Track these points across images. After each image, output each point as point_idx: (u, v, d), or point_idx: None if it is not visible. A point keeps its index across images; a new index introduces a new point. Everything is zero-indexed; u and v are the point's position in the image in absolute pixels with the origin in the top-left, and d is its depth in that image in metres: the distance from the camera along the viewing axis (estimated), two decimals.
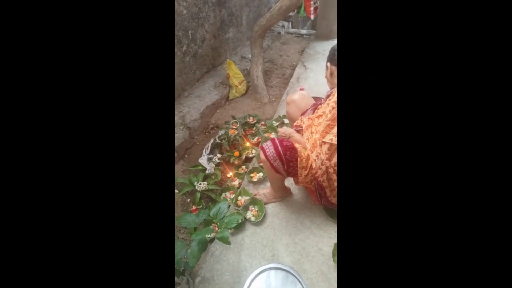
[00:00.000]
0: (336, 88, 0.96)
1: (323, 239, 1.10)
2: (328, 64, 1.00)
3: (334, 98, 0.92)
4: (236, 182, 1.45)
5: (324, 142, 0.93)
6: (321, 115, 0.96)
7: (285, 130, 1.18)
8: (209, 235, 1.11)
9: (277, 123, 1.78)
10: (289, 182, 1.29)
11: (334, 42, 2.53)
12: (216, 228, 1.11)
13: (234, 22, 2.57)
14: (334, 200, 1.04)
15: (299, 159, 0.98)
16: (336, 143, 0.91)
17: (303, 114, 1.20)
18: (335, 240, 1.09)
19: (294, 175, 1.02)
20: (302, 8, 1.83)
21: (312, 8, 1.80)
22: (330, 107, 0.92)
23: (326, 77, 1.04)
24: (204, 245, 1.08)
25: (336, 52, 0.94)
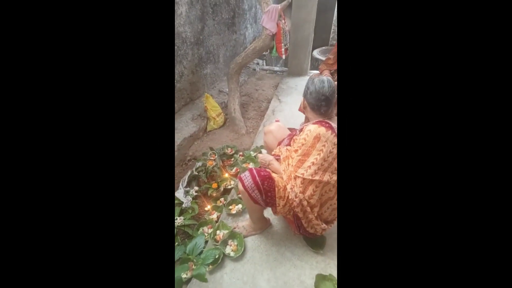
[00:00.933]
0: (307, 124, 1.01)
1: (305, 270, 1.08)
2: (302, 98, 1.09)
3: (303, 134, 0.96)
4: (214, 216, 1.40)
5: (297, 176, 0.95)
6: (297, 150, 1.00)
7: (265, 157, 1.20)
8: (185, 275, 1.03)
9: (255, 153, 1.81)
10: (268, 213, 1.29)
11: (305, 78, 2.75)
12: (193, 267, 1.04)
13: (212, 59, 2.73)
14: (312, 231, 1.05)
15: (276, 188, 0.99)
16: (308, 177, 0.93)
17: (279, 144, 1.24)
18: (317, 271, 1.07)
19: (272, 205, 1.03)
20: (274, 49, 2.01)
21: (283, 50, 1.99)
22: (300, 143, 0.96)
23: (299, 110, 1.12)
24: (180, 284, 0.99)
25: (309, 88, 1.01)
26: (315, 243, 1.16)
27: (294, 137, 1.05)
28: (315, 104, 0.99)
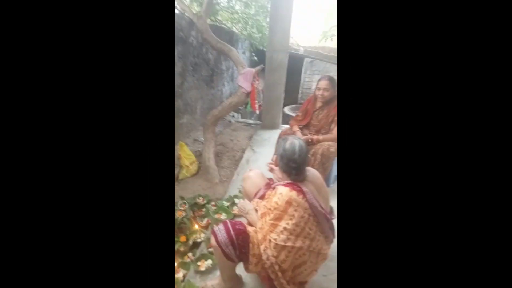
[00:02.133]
0: (280, 186, 0.97)
1: None
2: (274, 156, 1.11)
3: (275, 197, 0.93)
4: (180, 274, 1.26)
5: (270, 240, 0.93)
6: (269, 212, 0.97)
7: (244, 205, 1.16)
8: None
9: (228, 203, 1.77)
10: (240, 269, 1.20)
11: (277, 131, 2.94)
12: None
13: (189, 110, 2.85)
14: None
15: (251, 245, 0.95)
16: (280, 243, 0.90)
17: (256, 194, 1.24)
18: None
19: (245, 261, 0.97)
20: (249, 105, 2.20)
21: (257, 106, 2.18)
22: (272, 207, 0.93)
23: (269, 170, 1.11)
24: None
25: (280, 151, 0.99)
26: None
27: (267, 193, 1.03)
28: (286, 169, 0.98)
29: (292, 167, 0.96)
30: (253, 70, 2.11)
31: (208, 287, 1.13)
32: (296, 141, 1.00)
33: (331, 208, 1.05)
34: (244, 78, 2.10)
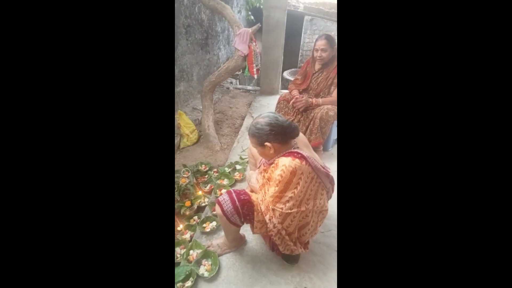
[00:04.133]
0: (281, 158, 0.96)
1: (281, 286, 1.07)
2: (263, 147, 0.99)
3: (279, 170, 0.92)
4: (187, 235, 1.35)
5: (275, 209, 0.95)
6: (268, 181, 0.98)
7: (250, 175, 1.19)
8: None
9: (229, 169, 1.82)
10: (243, 229, 1.28)
11: (276, 97, 2.87)
12: None
13: (185, 77, 2.75)
14: (288, 252, 1.06)
15: (255, 213, 0.99)
16: (286, 211, 0.92)
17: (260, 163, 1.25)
18: (292, 286, 1.07)
19: (251, 224, 1.03)
20: (246, 69, 2.11)
21: (255, 70, 2.09)
22: (278, 176, 0.92)
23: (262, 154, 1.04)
24: None
25: (269, 131, 0.96)
26: (290, 257, 1.16)
27: (269, 168, 1.01)
28: (283, 136, 0.96)
29: (286, 126, 0.96)
30: (250, 30, 1.97)
31: (213, 246, 1.21)
32: (263, 115, 0.99)
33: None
34: (240, 40, 1.98)
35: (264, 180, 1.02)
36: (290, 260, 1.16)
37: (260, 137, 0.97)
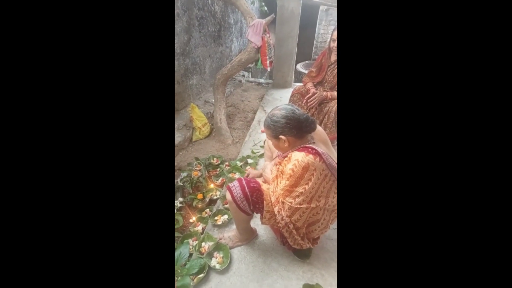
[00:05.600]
0: (294, 152, 0.94)
1: (291, 281, 1.07)
2: (277, 139, 0.98)
3: (291, 164, 0.91)
4: (199, 228, 1.37)
5: (285, 202, 0.94)
6: (281, 173, 0.96)
7: (265, 166, 1.18)
8: None
9: (241, 163, 1.81)
10: (254, 223, 1.28)
11: (289, 91, 2.82)
12: (177, 279, 1.00)
13: (198, 70, 2.74)
14: (298, 247, 1.05)
15: (265, 202, 0.98)
16: (296, 206, 0.92)
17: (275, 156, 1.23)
18: (303, 281, 1.06)
19: (260, 214, 1.03)
20: (259, 61, 2.07)
21: (268, 62, 2.05)
22: (289, 170, 0.91)
23: (277, 147, 1.02)
24: None
25: (285, 124, 0.93)
26: (301, 253, 1.16)
27: (283, 161, 1.00)
28: (299, 130, 0.94)
29: (302, 120, 0.93)
30: (263, 21, 1.92)
31: (225, 238, 1.22)
32: (280, 108, 0.97)
33: None
34: (253, 31, 1.94)
35: (278, 172, 1.01)
36: (301, 255, 1.15)
37: (275, 129, 0.95)
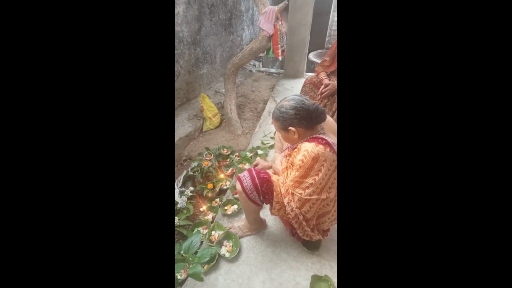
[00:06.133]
0: (304, 142, 0.93)
1: (300, 272, 1.07)
2: (286, 131, 0.96)
3: (300, 155, 0.89)
4: (209, 216, 1.39)
5: (294, 193, 0.93)
6: (291, 165, 0.95)
7: (274, 157, 1.18)
8: (179, 276, 1.01)
9: (251, 154, 1.81)
10: (264, 213, 1.28)
11: (301, 81, 2.76)
12: (189, 267, 1.02)
13: (208, 59, 2.72)
14: (307, 238, 1.05)
15: (275, 193, 0.98)
16: (306, 197, 0.91)
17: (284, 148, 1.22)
18: (312, 272, 1.06)
19: (270, 204, 1.03)
20: (271, 50, 2.02)
21: (279, 51, 2.00)
22: (299, 161, 0.89)
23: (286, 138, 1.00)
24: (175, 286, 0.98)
25: (294, 114, 0.91)
26: (310, 244, 1.16)
27: (292, 152, 0.98)
28: (309, 120, 0.91)
29: (312, 111, 0.90)
30: (276, 8, 1.86)
31: (234, 228, 1.24)
32: (289, 98, 0.94)
33: None
34: (265, 19, 1.88)
35: (288, 163, 1.00)
36: (310, 247, 1.15)
37: (284, 121, 0.94)
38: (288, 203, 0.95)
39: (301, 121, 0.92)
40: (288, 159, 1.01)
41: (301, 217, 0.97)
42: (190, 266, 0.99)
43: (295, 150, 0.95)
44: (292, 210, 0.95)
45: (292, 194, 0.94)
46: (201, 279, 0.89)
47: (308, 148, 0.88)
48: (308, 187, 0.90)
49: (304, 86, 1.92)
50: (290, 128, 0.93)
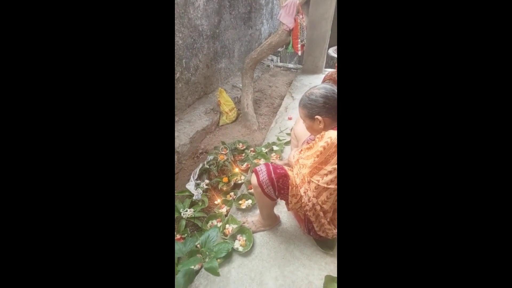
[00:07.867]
0: (326, 132, 0.90)
1: (313, 271, 1.06)
2: (312, 120, 0.94)
3: (322, 142, 0.87)
4: (223, 210, 1.41)
5: (311, 181, 0.91)
6: (310, 147, 0.94)
7: (291, 154, 1.16)
8: (193, 267, 1.04)
9: (266, 150, 1.80)
10: (278, 210, 1.27)
11: (320, 76, 2.69)
12: (205, 259, 1.04)
13: (227, 54, 2.72)
14: (323, 234, 1.03)
15: (290, 187, 0.97)
16: (323, 185, 0.88)
17: (305, 141, 1.20)
18: (326, 272, 1.05)
19: (285, 200, 1.02)
20: (290, 45, 1.98)
21: (299, 45, 1.95)
22: (321, 147, 0.87)
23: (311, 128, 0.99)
24: (191, 277, 1.00)
25: (323, 103, 0.90)
26: (325, 244, 1.14)
27: (311, 142, 0.97)
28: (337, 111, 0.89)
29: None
30: (297, 1, 1.81)
31: (248, 222, 1.24)
32: (319, 86, 0.93)
33: None
34: (286, 12, 1.84)
35: (299, 155, 0.98)
36: (324, 246, 1.13)
37: (312, 109, 0.92)
38: (305, 192, 0.94)
39: (330, 110, 0.90)
40: (301, 152, 0.99)
41: (318, 208, 0.94)
42: (207, 260, 1.00)
43: (317, 137, 0.93)
44: (309, 200, 0.93)
45: (309, 182, 0.92)
46: (217, 274, 0.90)
47: (332, 135, 0.86)
48: (326, 175, 0.88)
49: (323, 82, 1.87)
50: (317, 117, 0.92)
